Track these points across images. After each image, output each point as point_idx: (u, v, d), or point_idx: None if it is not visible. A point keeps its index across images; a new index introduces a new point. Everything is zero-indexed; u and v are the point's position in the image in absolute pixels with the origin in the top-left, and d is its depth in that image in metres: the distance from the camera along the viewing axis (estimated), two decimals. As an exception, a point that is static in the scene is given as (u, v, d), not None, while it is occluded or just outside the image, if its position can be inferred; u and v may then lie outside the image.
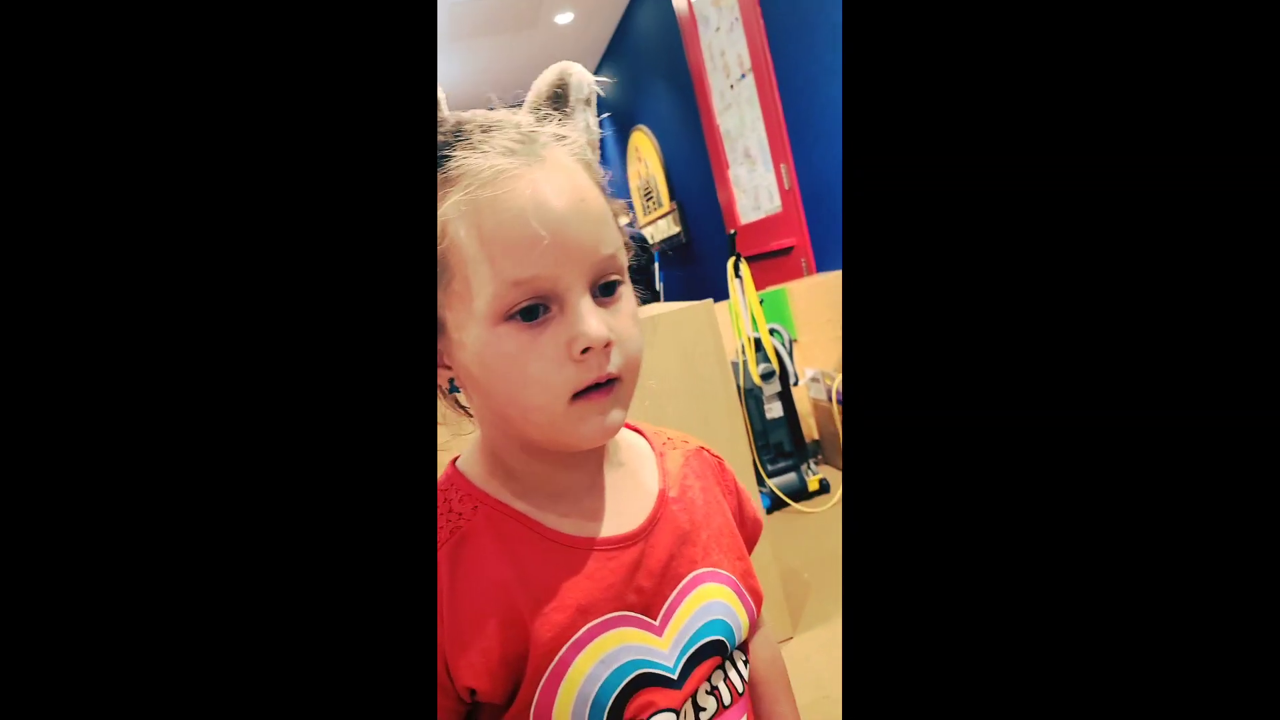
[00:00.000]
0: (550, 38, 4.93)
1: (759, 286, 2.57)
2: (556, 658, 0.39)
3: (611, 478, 0.46)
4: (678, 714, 0.42)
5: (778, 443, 2.43)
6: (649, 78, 4.96)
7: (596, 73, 0.46)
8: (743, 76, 3.37)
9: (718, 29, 3.50)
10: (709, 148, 4.00)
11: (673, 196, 5.18)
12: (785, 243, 3.28)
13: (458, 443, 0.47)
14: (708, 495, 0.49)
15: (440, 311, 0.41)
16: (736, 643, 0.46)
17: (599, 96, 0.46)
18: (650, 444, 0.50)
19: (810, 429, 2.72)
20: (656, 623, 0.43)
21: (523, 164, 0.39)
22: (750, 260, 2.57)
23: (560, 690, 0.39)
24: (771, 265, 3.35)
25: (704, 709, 0.43)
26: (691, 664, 0.43)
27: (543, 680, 0.39)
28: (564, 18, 4.70)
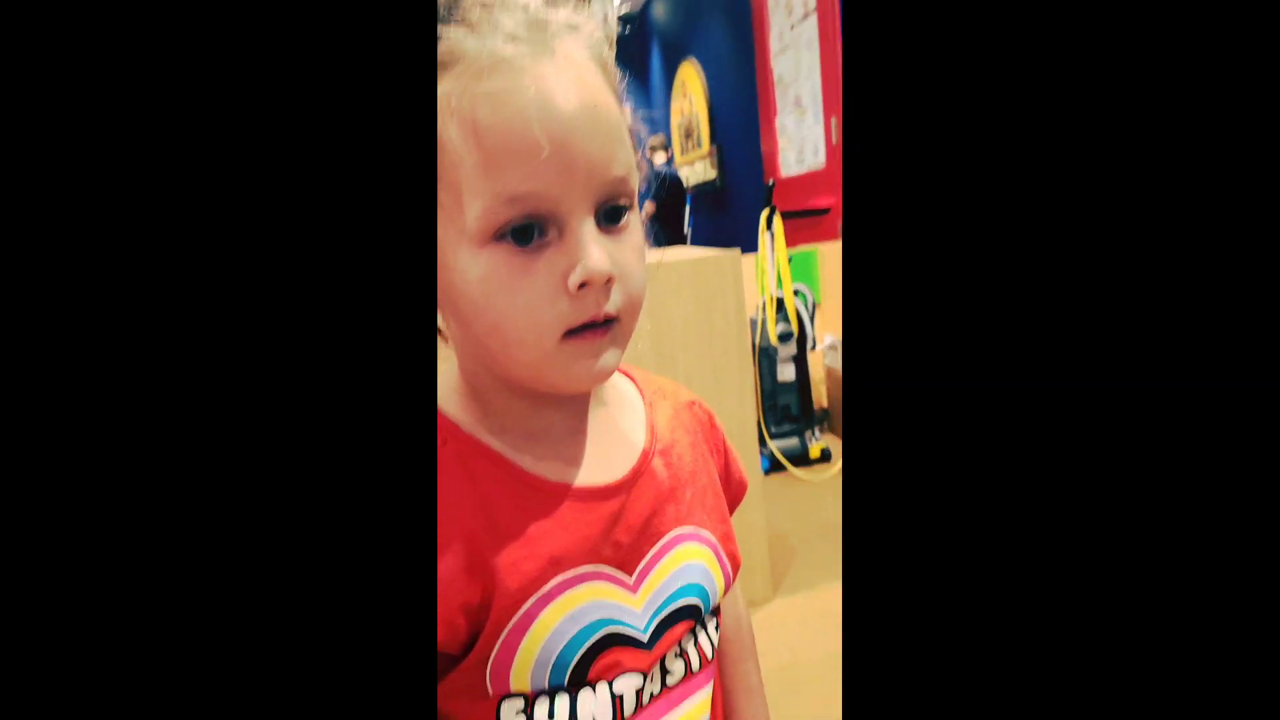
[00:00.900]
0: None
1: (790, 244, 2.48)
2: (522, 610, 0.36)
3: (595, 422, 0.42)
4: (645, 677, 0.39)
5: (785, 405, 2.40)
6: (706, 7, 4.68)
7: None
8: (805, 17, 3.16)
9: (786, -40, 3.27)
10: (759, 91, 3.81)
11: (714, 139, 4.99)
12: (824, 203, 3.16)
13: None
14: (695, 452, 0.45)
15: None
16: (710, 607, 0.42)
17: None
18: (640, 392, 0.46)
19: (820, 396, 2.68)
20: (631, 580, 0.39)
21: (528, 55, 0.33)
22: (785, 216, 2.47)
23: (522, 645, 0.36)
24: (805, 224, 3.23)
25: (670, 672, 0.40)
26: (664, 626, 0.40)
27: (504, 633, 0.36)
28: (625, -69, 4.41)
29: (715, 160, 4.89)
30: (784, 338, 2.37)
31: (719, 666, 0.48)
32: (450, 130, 0.33)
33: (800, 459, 2.35)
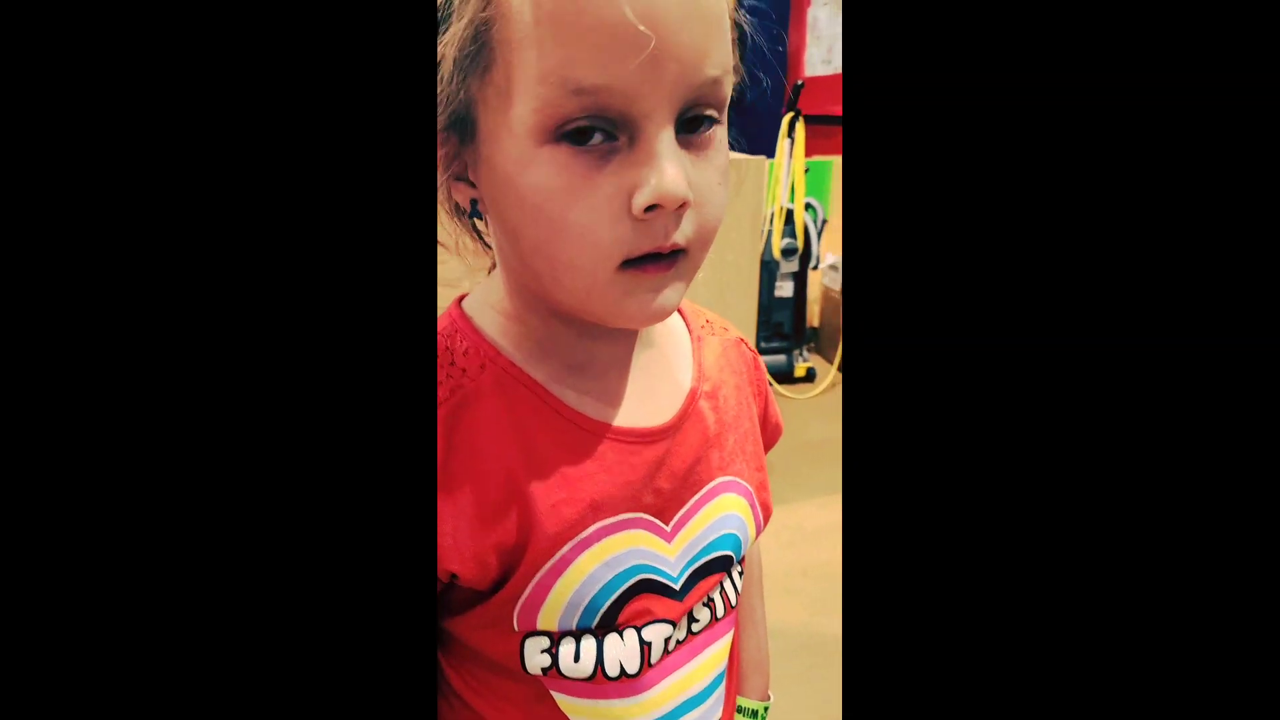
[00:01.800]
0: None
1: (807, 153, 2.35)
2: (559, 555, 0.34)
3: (641, 357, 0.38)
4: (674, 625, 0.37)
5: (778, 323, 2.38)
6: None
7: None
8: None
9: None
10: (794, -25, 3.46)
11: (735, 25, 4.60)
12: (847, 111, 2.97)
13: (470, 281, 0.38)
14: (740, 395, 0.43)
15: (471, 107, 0.30)
16: (740, 557, 0.41)
17: None
18: (688, 325, 0.42)
19: (813, 315, 2.66)
20: (669, 529, 0.37)
21: None
22: (806, 121, 2.32)
23: (555, 587, 0.34)
24: (826, 132, 3.05)
25: (697, 620, 0.39)
26: (696, 576, 0.38)
27: (538, 575, 0.34)
28: None
29: (736, 48, 4.54)
30: (788, 253, 2.30)
31: None
32: None
33: (785, 377, 2.36)
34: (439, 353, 0.34)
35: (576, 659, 0.35)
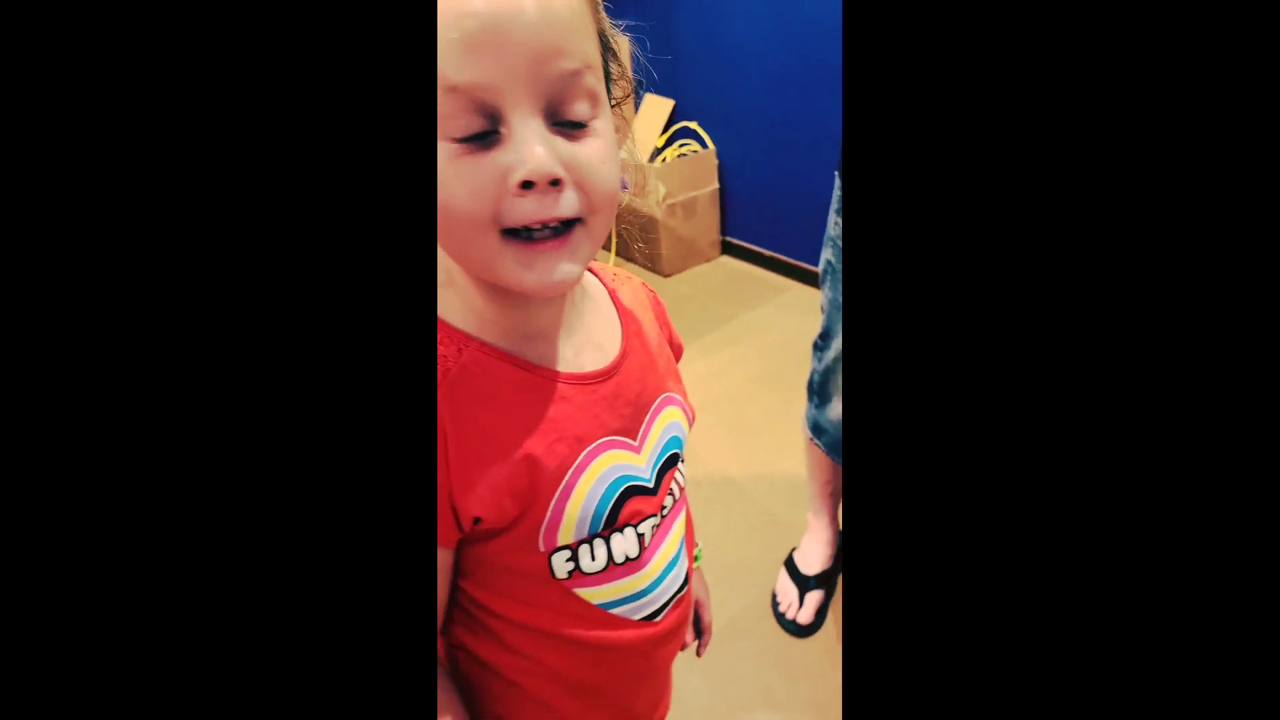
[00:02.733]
0: None
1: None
2: (562, 483, 0.42)
3: (577, 316, 0.46)
4: (656, 515, 0.48)
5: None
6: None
7: None
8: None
9: None
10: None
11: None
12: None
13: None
14: (651, 326, 0.52)
15: None
16: (682, 450, 0.52)
17: None
18: (602, 281, 0.52)
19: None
20: (636, 443, 0.47)
21: None
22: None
23: (566, 509, 0.42)
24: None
25: (665, 507, 0.49)
26: (661, 474, 0.48)
27: (552, 502, 0.42)
28: None
29: None
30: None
31: None
32: None
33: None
34: None
35: (593, 559, 0.44)
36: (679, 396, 0.52)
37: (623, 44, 0.42)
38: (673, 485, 0.51)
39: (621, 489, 0.45)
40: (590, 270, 0.51)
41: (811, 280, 2.27)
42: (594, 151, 0.36)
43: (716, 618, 0.76)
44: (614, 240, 1.64)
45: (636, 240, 1.03)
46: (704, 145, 2.51)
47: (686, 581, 0.53)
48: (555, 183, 0.34)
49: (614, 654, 0.48)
